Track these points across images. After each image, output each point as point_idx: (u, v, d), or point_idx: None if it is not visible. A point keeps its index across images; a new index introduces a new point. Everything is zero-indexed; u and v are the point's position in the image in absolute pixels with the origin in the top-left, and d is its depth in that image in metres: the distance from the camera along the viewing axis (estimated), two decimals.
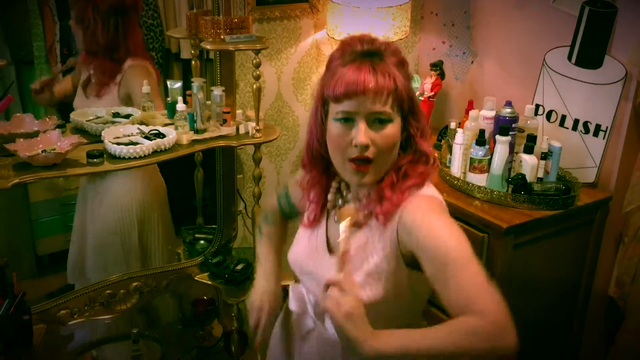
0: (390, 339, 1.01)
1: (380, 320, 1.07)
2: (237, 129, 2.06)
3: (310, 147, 1.23)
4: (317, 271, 1.25)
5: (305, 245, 1.31)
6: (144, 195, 2.25)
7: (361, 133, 1.11)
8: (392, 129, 1.13)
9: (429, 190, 1.18)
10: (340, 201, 1.26)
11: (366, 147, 1.11)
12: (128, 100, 2.14)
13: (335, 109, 1.14)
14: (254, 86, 1.98)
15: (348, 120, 1.13)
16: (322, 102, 1.18)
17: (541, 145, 2.07)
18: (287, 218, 1.49)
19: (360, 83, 1.10)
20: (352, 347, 1.01)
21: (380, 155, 1.13)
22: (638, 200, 2.07)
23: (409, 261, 1.14)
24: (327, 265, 1.21)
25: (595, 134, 2.13)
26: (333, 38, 2.41)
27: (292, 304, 1.36)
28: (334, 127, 1.15)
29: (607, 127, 2.09)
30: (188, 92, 2.11)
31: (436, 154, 2.40)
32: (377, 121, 1.12)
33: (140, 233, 2.26)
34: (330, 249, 1.26)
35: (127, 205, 2.22)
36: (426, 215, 1.11)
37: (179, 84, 2.11)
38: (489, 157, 2.05)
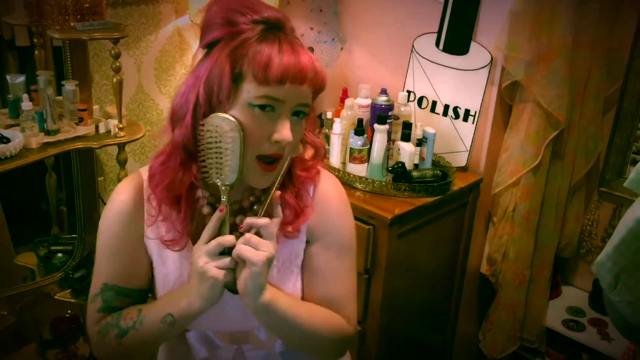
0: (279, 294, 1.03)
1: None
2: (97, 127, 1.84)
3: (186, 137, 1.01)
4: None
5: (183, 276, 1.07)
6: None
7: (287, 128, 0.96)
8: (304, 124, 1.02)
9: (327, 177, 1.14)
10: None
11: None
12: None
13: (256, 92, 0.94)
14: (114, 79, 1.77)
15: (266, 107, 0.95)
16: (232, 78, 0.95)
17: (416, 132, 2.09)
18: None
19: (303, 70, 0.94)
20: (255, 294, 0.96)
21: (288, 153, 0.99)
22: (505, 182, 2.16)
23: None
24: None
25: (465, 119, 2.18)
26: (197, 24, 2.23)
27: (201, 353, 1.14)
28: (248, 114, 0.95)
29: (475, 112, 2.15)
30: (33, 88, 1.84)
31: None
32: (296, 114, 0.98)
33: None
34: None
35: None
36: (338, 202, 1.13)
37: (21, 78, 1.84)
38: (368, 146, 2.02)
